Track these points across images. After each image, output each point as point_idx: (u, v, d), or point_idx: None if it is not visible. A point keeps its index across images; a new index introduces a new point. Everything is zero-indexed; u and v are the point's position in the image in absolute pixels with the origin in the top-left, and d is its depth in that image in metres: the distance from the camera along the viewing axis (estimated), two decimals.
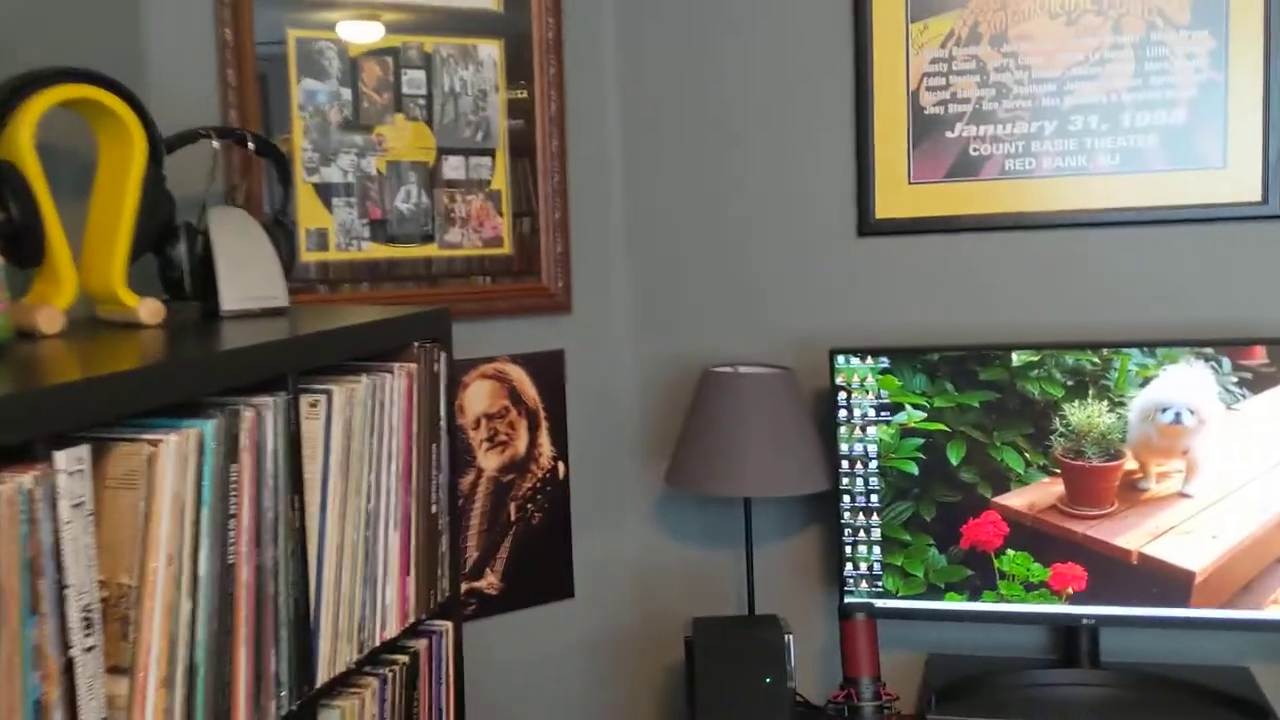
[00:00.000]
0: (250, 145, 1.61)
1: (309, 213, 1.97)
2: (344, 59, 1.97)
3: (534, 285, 2.20)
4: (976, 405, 2.01)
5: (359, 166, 2.00)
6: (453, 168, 2.10)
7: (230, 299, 1.49)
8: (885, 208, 2.19)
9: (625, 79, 2.31)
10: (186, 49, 1.79)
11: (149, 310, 1.40)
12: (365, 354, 1.41)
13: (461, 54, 2.09)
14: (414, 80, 2.05)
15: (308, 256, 1.97)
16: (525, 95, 2.16)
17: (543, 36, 2.16)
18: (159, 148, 1.44)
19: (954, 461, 2.02)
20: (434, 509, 1.55)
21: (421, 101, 2.06)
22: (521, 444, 2.21)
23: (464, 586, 2.15)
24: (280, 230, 1.61)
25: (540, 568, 2.24)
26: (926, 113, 2.15)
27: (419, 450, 1.49)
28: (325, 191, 1.97)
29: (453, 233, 2.11)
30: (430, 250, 2.09)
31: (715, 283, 2.30)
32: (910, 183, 2.17)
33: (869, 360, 2.05)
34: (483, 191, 2.13)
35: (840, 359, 2.07)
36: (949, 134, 2.15)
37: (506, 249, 2.17)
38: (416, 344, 1.51)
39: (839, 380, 2.07)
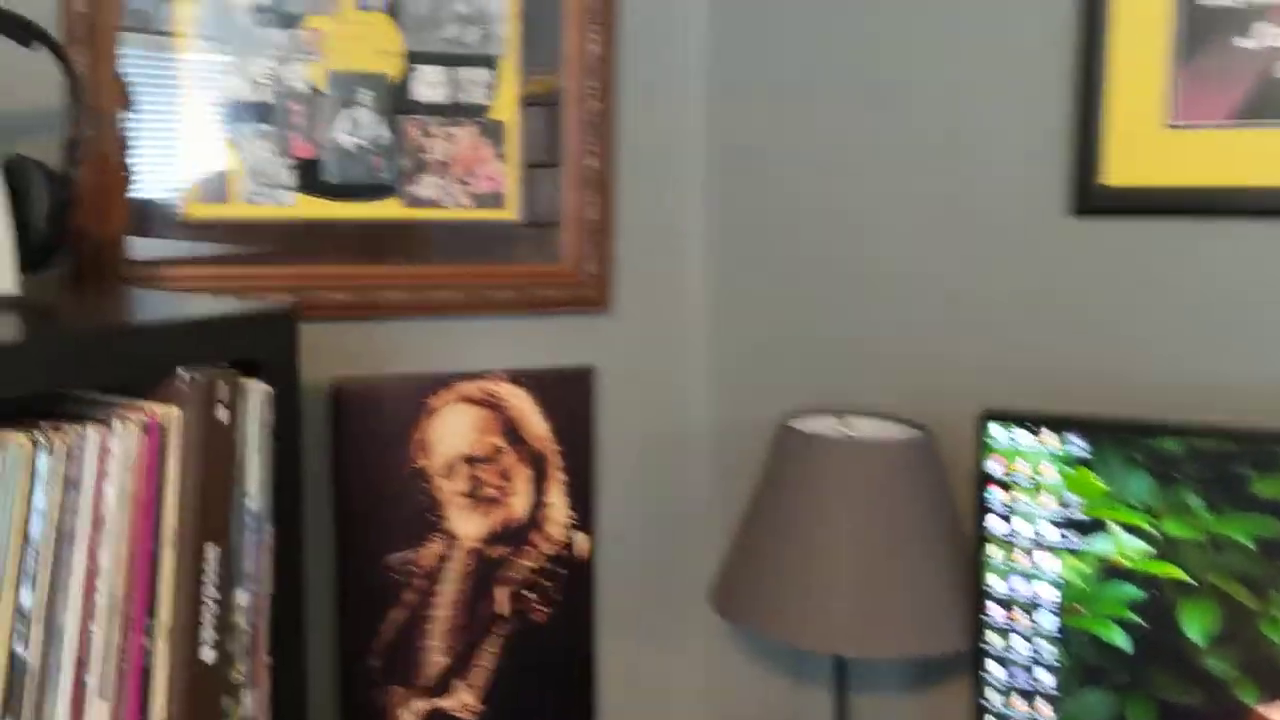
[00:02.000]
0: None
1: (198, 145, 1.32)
2: None
3: (552, 268, 1.47)
4: (1247, 542, 1.09)
5: (279, 78, 1.34)
6: (429, 84, 1.40)
7: None
8: (1123, 169, 1.28)
9: None
10: None
11: None
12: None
13: None
14: None
15: (196, 211, 1.32)
16: None
17: None
18: None
19: (1195, 636, 1.12)
20: (207, 657, 0.95)
21: None
22: (520, 503, 1.48)
23: (424, 706, 1.46)
24: (40, 178, 1.03)
25: (545, 686, 1.52)
26: (1203, 1, 1.22)
27: (181, 558, 0.92)
28: (222, 114, 1.32)
29: (426, 183, 1.41)
30: (389, 209, 1.40)
31: (837, 282, 1.47)
32: (1171, 125, 1.25)
33: (1048, 437, 1.17)
34: (476, 122, 1.42)
35: (996, 429, 1.19)
36: (1240, 40, 1.20)
37: (510, 212, 1.45)
38: (185, 373, 0.93)
39: (991, 466, 1.20)
